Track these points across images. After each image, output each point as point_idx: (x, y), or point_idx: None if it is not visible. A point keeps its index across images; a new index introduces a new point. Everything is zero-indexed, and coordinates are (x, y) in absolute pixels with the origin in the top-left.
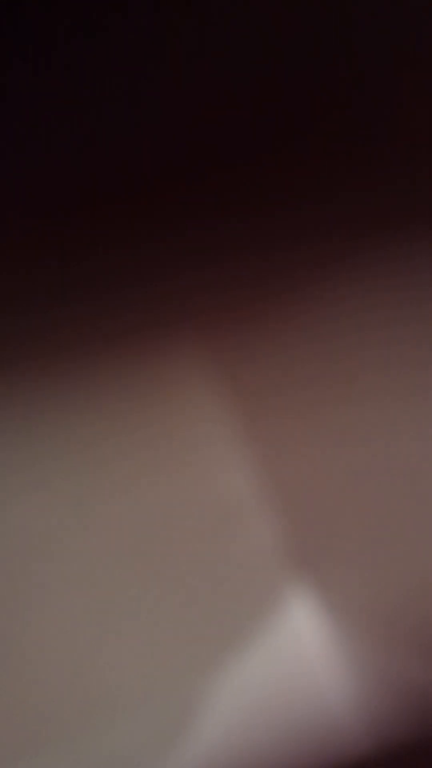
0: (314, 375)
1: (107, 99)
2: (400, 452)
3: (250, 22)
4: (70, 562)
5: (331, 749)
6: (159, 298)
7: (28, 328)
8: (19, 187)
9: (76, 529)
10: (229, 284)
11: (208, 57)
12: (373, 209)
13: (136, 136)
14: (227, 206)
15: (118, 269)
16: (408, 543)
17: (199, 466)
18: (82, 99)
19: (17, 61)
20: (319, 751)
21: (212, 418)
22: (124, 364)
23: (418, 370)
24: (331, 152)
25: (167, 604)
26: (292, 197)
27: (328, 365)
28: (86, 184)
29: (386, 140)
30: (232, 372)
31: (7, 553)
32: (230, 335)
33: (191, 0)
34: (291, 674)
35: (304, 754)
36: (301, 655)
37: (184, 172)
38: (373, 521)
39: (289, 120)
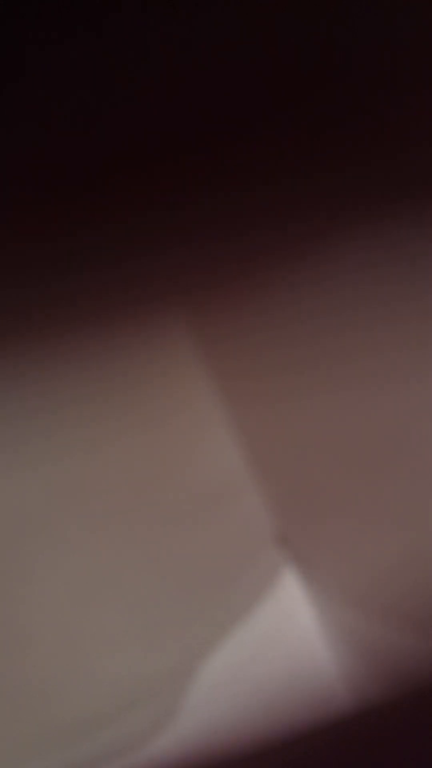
0: (306, 352)
1: (103, 74)
2: (390, 432)
3: None
4: (61, 540)
5: (316, 712)
6: (148, 274)
7: (18, 304)
8: (9, 162)
9: (66, 506)
10: (219, 260)
11: (206, 29)
12: (370, 182)
13: (128, 113)
14: (218, 181)
15: (106, 247)
16: (392, 519)
17: (189, 443)
18: (79, 76)
19: (18, 42)
20: (306, 715)
21: (202, 395)
22: (114, 341)
23: (416, 350)
24: (327, 124)
25: (157, 579)
26: (285, 171)
27: (320, 343)
28: (74, 161)
29: (385, 110)
30: (222, 349)
31: None
32: (220, 312)
33: None
34: (279, 646)
35: (293, 717)
36: (289, 627)
37: (174, 148)
38: (359, 498)
39: (283, 92)
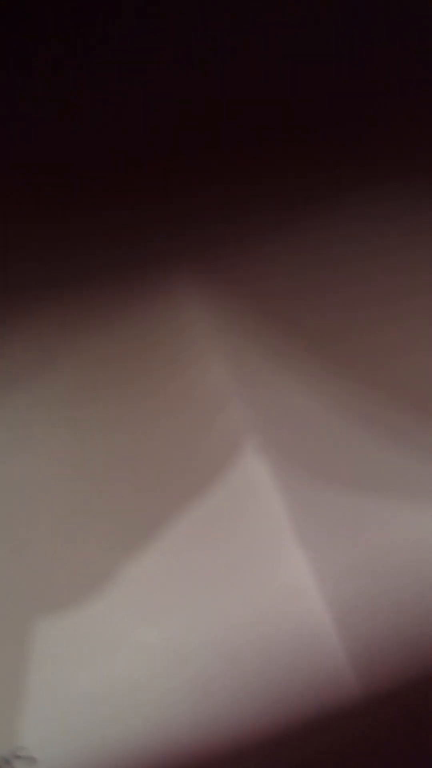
0: (307, 306)
1: (106, 67)
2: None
3: None
4: (52, 451)
5: (322, 697)
6: (153, 234)
7: (32, 270)
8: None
9: (62, 419)
10: (223, 217)
11: (208, 23)
12: (369, 156)
13: (137, 80)
14: (222, 139)
15: (117, 221)
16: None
17: (195, 407)
18: (83, 72)
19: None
20: (312, 700)
21: (207, 353)
22: (121, 298)
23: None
24: (325, 107)
25: (141, 500)
26: (287, 147)
27: (325, 295)
28: (100, 146)
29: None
30: (224, 305)
31: None
32: (223, 268)
33: None
34: (284, 628)
35: (298, 702)
36: (293, 609)
37: (182, 125)
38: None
39: (291, 57)
